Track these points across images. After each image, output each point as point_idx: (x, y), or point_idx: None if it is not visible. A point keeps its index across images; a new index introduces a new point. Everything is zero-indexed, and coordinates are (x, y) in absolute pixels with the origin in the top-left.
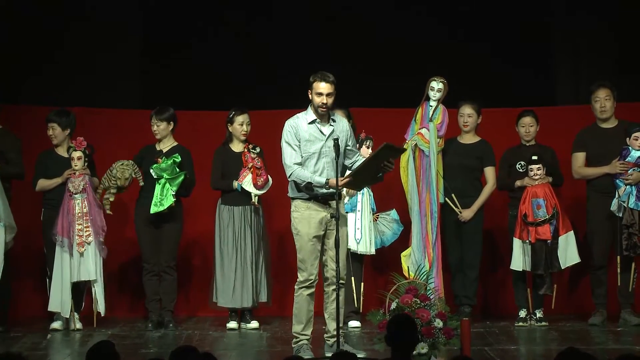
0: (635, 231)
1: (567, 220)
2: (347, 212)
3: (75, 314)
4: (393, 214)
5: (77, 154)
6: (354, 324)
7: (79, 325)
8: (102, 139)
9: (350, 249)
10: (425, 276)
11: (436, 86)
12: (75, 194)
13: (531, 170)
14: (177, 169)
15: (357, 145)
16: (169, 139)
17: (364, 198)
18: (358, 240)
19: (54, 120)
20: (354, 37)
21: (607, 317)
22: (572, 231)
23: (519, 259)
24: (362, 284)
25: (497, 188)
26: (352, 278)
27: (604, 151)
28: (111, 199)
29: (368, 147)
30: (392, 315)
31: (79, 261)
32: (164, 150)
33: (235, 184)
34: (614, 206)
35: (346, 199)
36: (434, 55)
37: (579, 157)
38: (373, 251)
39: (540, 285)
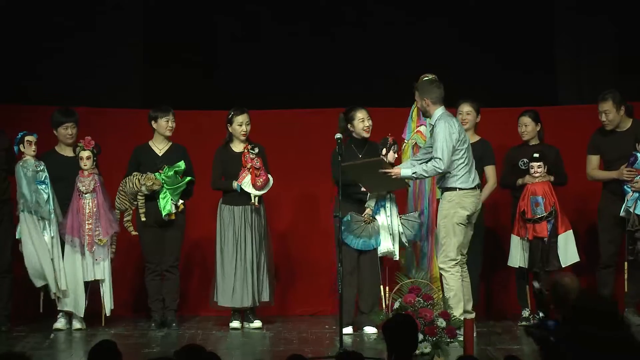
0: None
1: (566, 219)
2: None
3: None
4: (416, 215)
5: (85, 154)
6: (369, 330)
7: (82, 324)
8: (103, 139)
9: (387, 254)
10: (422, 274)
11: None
12: (86, 193)
13: (532, 168)
14: (179, 179)
15: (385, 150)
16: (165, 137)
17: (392, 203)
18: (391, 250)
19: (70, 120)
20: (352, 38)
21: None
22: (572, 230)
23: (517, 256)
24: (387, 287)
25: (499, 186)
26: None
27: (619, 154)
28: (141, 209)
29: (395, 152)
30: (393, 315)
31: (91, 261)
32: (162, 150)
33: (235, 184)
34: (622, 212)
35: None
36: (436, 54)
37: (592, 160)
38: (397, 257)
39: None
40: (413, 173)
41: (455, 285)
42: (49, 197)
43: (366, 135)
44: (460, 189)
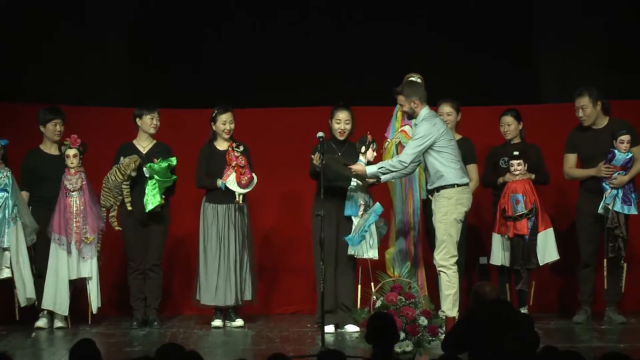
0: (619, 233)
1: (547, 217)
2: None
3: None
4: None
5: (72, 152)
6: (351, 328)
7: (63, 323)
8: (87, 138)
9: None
10: (407, 273)
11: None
12: (73, 191)
13: (512, 166)
14: (170, 174)
15: (364, 147)
16: (149, 135)
17: (370, 204)
18: (370, 249)
19: (59, 117)
20: (342, 37)
21: (592, 314)
22: (552, 228)
23: (498, 254)
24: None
25: (481, 185)
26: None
27: (596, 152)
28: (127, 198)
29: (374, 150)
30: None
31: (78, 259)
32: (146, 148)
33: (220, 182)
34: (600, 209)
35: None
36: (418, 53)
37: (570, 159)
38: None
39: (517, 281)
40: (379, 168)
41: (457, 282)
42: (2, 205)
43: (339, 137)
44: (457, 185)
